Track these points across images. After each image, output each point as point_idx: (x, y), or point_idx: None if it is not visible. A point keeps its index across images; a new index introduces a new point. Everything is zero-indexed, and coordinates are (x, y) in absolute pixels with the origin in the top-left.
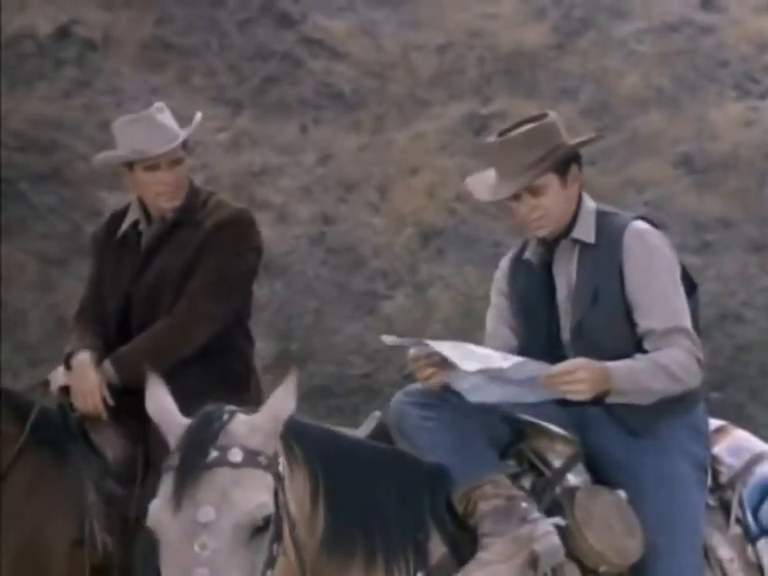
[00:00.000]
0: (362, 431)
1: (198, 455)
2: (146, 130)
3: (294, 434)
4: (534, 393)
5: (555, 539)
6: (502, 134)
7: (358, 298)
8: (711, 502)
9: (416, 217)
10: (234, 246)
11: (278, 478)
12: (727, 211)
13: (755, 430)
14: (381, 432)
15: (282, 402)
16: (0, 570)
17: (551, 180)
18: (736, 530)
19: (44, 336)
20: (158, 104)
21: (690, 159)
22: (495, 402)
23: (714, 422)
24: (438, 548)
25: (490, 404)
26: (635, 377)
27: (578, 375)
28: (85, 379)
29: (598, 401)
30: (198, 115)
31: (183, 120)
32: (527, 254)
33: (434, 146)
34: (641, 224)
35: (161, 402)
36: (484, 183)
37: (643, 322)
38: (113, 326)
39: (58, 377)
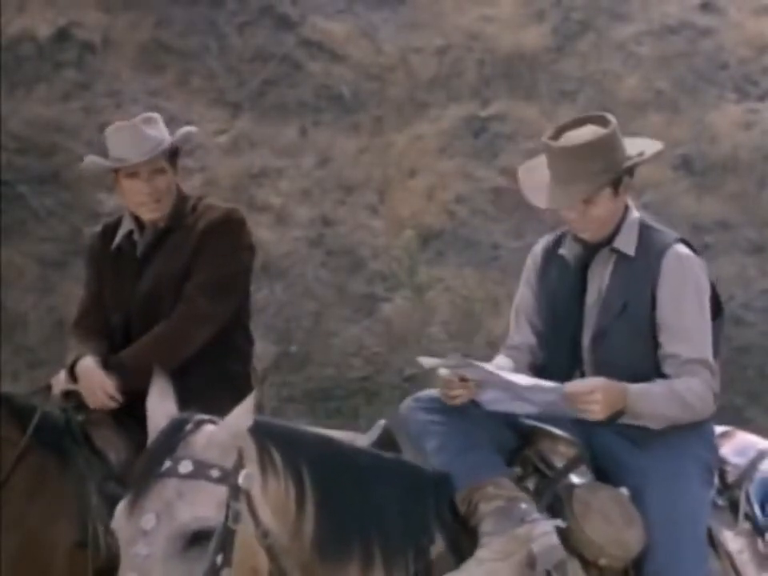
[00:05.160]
0: (367, 438)
1: (154, 464)
2: (128, 138)
3: (273, 440)
4: (553, 412)
5: (553, 539)
6: (559, 131)
7: (357, 301)
8: (720, 502)
9: (415, 219)
10: (227, 245)
11: (236, 490)
12: (726, 213)
13: (755, 433)
14: (386, 439)
15: (239, 416)
16: (1, 572)
17: (605, 192)
18: (745, 525)
19: (43, 338)
20: (151, 114)
21: (689, 161)
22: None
23: (720, 428)
24: (439, 547)
25: (501, 410)
26: (651, 401)
27: (594, 396)
28: (92, 379)
29: (610, 419)
30: (185, 128)
31: (184, 123)
32: (563, 251)
33: (433, 149)
34: (682, 248)
35: (153, 404)
36: (537, 183)
37: (667, 346)
38: (118, 338)
39: (61, 381)
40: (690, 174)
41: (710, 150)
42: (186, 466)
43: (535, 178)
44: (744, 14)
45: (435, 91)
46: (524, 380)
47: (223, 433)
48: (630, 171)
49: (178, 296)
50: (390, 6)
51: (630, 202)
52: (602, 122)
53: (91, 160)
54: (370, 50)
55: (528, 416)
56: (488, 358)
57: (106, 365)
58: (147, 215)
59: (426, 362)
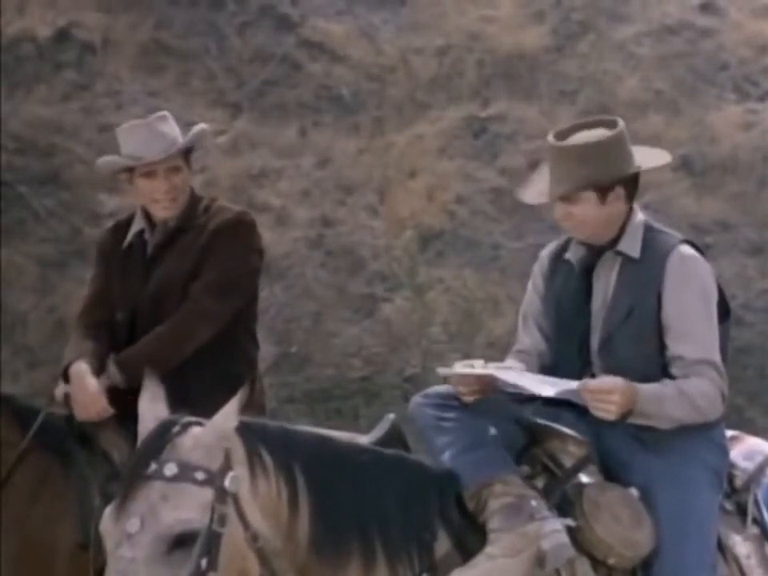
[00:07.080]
0: (375, 433)
1: (141, 466)
2: (144, 136)
3: (264, 441)
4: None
5: (563, 537)
6: (569, 131)
7: (357, 301)
8: (728, 506)
9: (415, 219)
10: (236, 247)
11: (222, 493)
12: (726, 214)
13: (755, 434)
14: (394, 434)
15: (224, 418)
16: (2, 573)
17: (588, 196)
18: (753, 530)
19: (43, 339)
20: (162, 112)
21: (689, 162)
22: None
23: (728, 432)
24: (443, 545)
25: (506, 407)
26: (660, 402)
27: (612, 397)
28: (84, 389)
29: (619, 419)
30: (199, 126)
31: (183, 123)
32: (568, 255)
33: (433, 149)
34: (687, 249)
35: (144, 406)
36: (533, 181)
37: (674, 348)
38: (122, 335)
39: (60, 387)
40: (690, 174)
41: (709, 151)
42: (170, 469)
43: (535, 177)
44: (744, 14)
45: (435, 92)
46: (546, 389)
47: (209, 434)
48: (625, 183)
49: (185, 296)
50: (390, 7)
51: (636, 205)
52: (612, 126)
53: (107, 159)
54: (370, 50)
55: (537, 412)
56: (488, 359)
57: (102, 367)
58: (161, 213)
59: (444, 372)
